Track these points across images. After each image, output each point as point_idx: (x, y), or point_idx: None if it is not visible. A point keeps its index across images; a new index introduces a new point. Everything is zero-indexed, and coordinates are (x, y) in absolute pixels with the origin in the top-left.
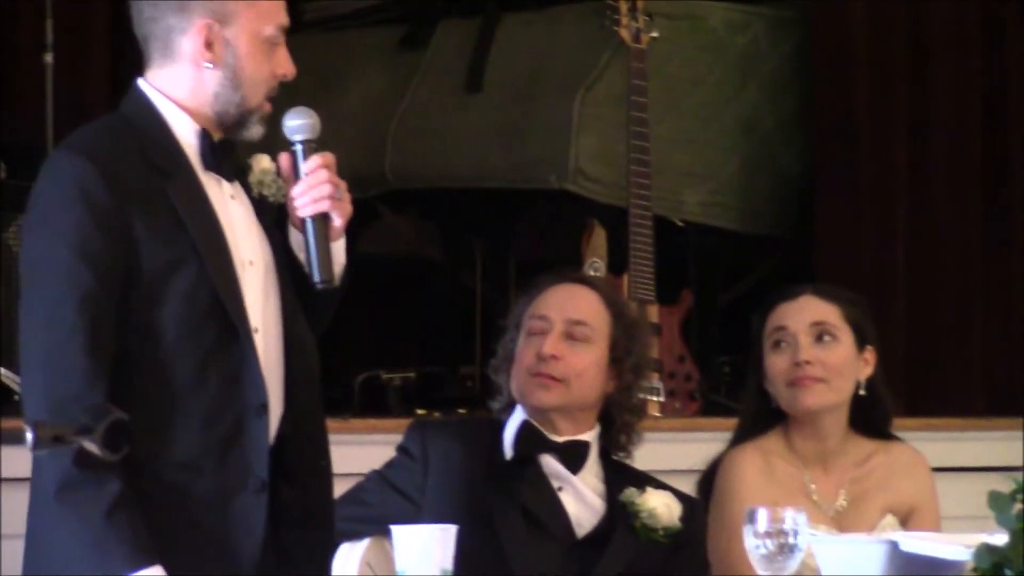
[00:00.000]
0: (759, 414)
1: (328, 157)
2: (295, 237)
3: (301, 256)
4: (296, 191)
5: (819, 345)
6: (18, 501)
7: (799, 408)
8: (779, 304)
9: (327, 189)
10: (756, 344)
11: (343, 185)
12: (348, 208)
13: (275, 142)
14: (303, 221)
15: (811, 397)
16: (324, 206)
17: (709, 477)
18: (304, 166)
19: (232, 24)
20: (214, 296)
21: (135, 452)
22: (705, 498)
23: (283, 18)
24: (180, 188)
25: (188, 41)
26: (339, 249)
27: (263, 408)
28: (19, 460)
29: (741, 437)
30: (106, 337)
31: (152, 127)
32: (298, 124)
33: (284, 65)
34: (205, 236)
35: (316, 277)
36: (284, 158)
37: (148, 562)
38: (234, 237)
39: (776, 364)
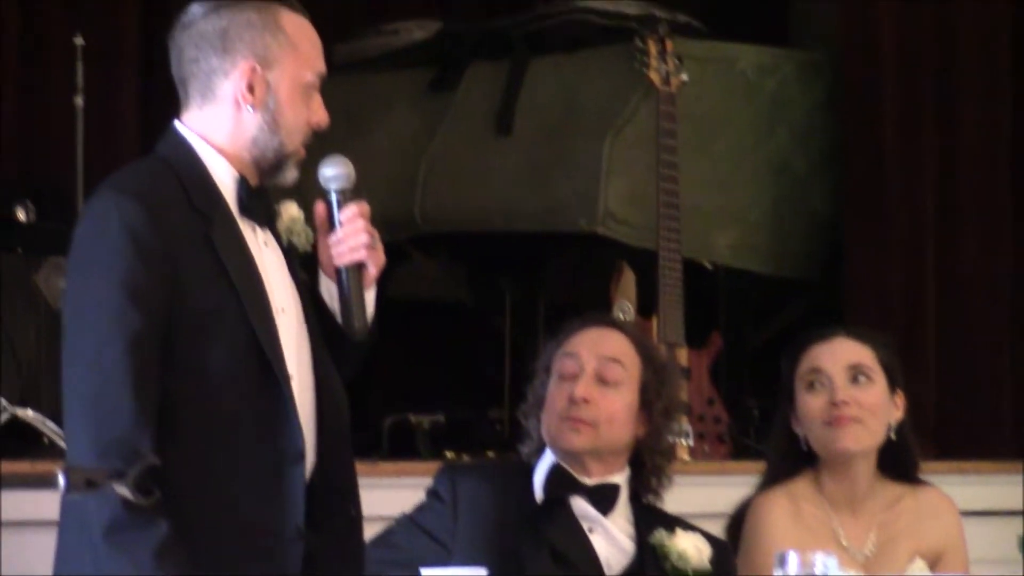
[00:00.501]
0: (787, 456)
1: (364, 206)
2: (325, 285)
3: (332, 305)
4: (333, 240)
5: (855, 386)
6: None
7: (835, 449)
8: (812, 345)
9: (364, 238)
10: (786, 386)
11: (376, 234)
12: (382, 258)
13: (299, 187)
14: (338, 270)
15: (848, 438)
16: (361, 255)
17: (738, 520)
18: (341, 215)
19: (275, 68)
20: (254, 343)
21: (175, 496)
22: (734, 541)
23: (322, 66)
24: (221, 232)
25: (230, 83)
26: (370, 298)
27: (300, 456)
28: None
29: (769, 480)
30: (153, 379)
31: (192, 170)
32: (334, 173)
33: (319, 113)
34: (246, 282)
35: (352, 326)
36: (319, 206)
37: None
38: (269, 284)
39: (811, 405)
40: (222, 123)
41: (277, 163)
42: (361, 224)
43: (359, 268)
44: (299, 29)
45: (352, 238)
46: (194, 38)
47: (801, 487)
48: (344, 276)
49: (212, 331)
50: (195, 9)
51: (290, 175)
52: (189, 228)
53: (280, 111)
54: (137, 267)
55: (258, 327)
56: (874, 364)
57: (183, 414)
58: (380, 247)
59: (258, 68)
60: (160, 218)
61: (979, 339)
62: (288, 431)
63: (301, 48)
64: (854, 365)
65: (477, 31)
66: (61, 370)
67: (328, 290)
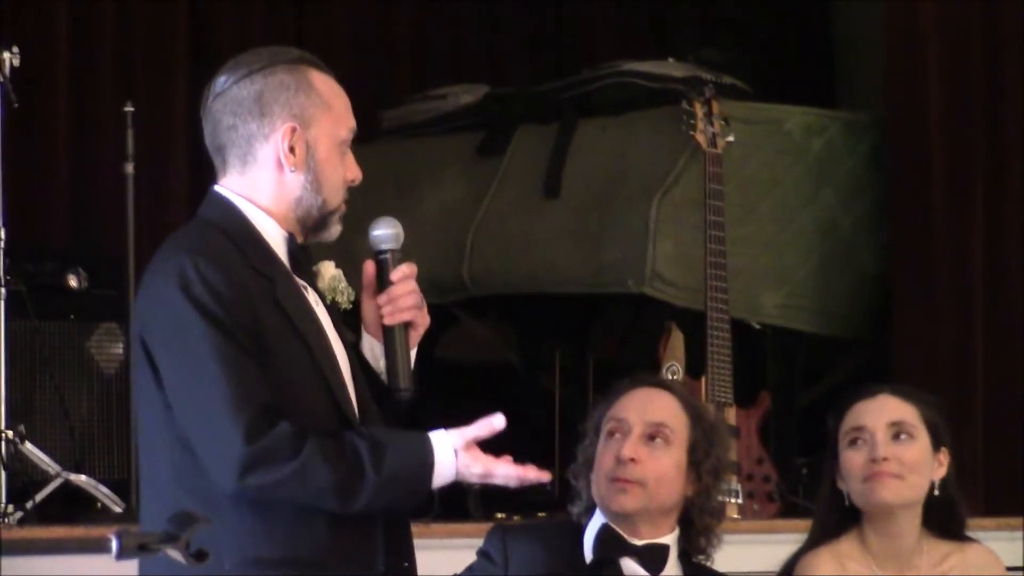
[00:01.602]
0: (832, 513)
1: (413, 268)
2: (369, 344)
3: (375, 364)
4: (383, 299)
5: (896, 443)
6: None
7: (875, 501)
8: (856, 403)
9: (414, 299)
10: (831, 443)
11: (421, 295)
12: (427, 318)
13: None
14: (387, 329)
15: (887, 491)
16: (410, 315)
17: None
18: (393, 275)
19: (313, 127)
20: (330, 398)
21: (267, 551)
22: None
23: (353, 122)
24: (284, 291)
25: (270, 146)
26: (412, 356)
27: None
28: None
29: (815, 538)
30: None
31: (243, 231)
32: (385, 234)
33: (353, 170)
34: (316, 340)
35: (398, 384)
36: (369, 266)
37: None
38: (328, 342)
39: (853, 460)
40: (266, 185)
41: (321, 220)
42: (412, 285)
43: (405, 328)
44: (330, 88)
45: (404, 298)
46: (229, 105)
47: (846, 546)
48: (394, 335)
49: (292, 385)
50: (225, 78)
51: (334, 231)
52: (257, 287)
53: (321, 170)
54: (225, 316)
55: (332, 381)
56: (917, 422)
57: None
58: (425, 307)
59: (298, 129)
60: (234, 277)
61: None
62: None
63: (335, 106)
64: (896, 423)
65: (524, 95)
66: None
67: (371, 348)
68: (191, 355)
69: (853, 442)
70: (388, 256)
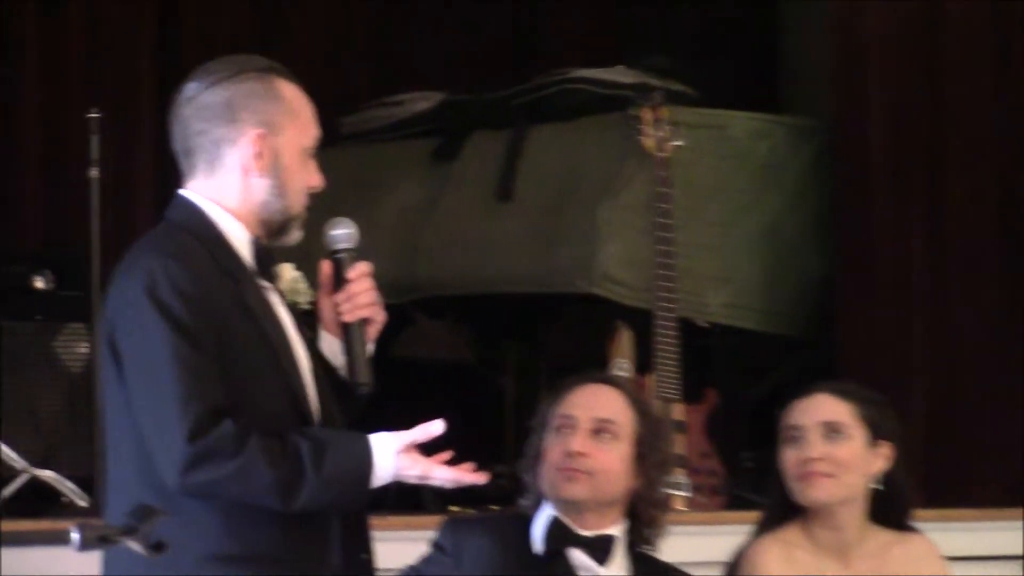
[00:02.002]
0: (780, 506)
1: (369, 266)
2: (327, 341)
3: (333, 360)
4: (341, 297)
5: (829, 442)
6: None
7: (807, 500)
8: (795, 402)
9: (371, 296)
10: (780, 439)
11: (376, 292)
12: (383, 314)
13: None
14: (345, 326)
15: (818, 490)
16: (367, 312)
17: (734, 567)
18: (349, 273)
19: (280, 134)
20: (292, 398)
21: (225, 546)
22: None
23: (317, 131)
24: (249, 292)
25: (238, 151)
26: (369, 351)
27: None
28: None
29: (763, 528)
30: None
31: (210, 234)
32: (341, 234)
33: (315, 176)
34: (279, 340)
35: (357, 380)
36: (325, 265)
37: None
38: (290, 342)
39: (788, 458)
40: (232, 189)
41: (284, 225)
42: (369, 282)
43: (363, 324)
44: (297, 97)
45: (361, 296)
46: (199, 110)
47: (793, 534)
48: (351, 332)
49: (255, 384)
50: (195, 84)
51: (294, 236)
52: (223, 288)
53: (286, 176)
54: (188, 318)
55: (294, 381)
56: (851, 420)
57: None
58: (381, 304)
59: (267, 135)
60: (201, 279)
61: (967, 392)
62: None
63: (301, 115)
64: (828, 422)
65: (478, 101)
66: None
67: (330, 346)
68: (151, 355)
69: (789, 440)
70: (344, 255)
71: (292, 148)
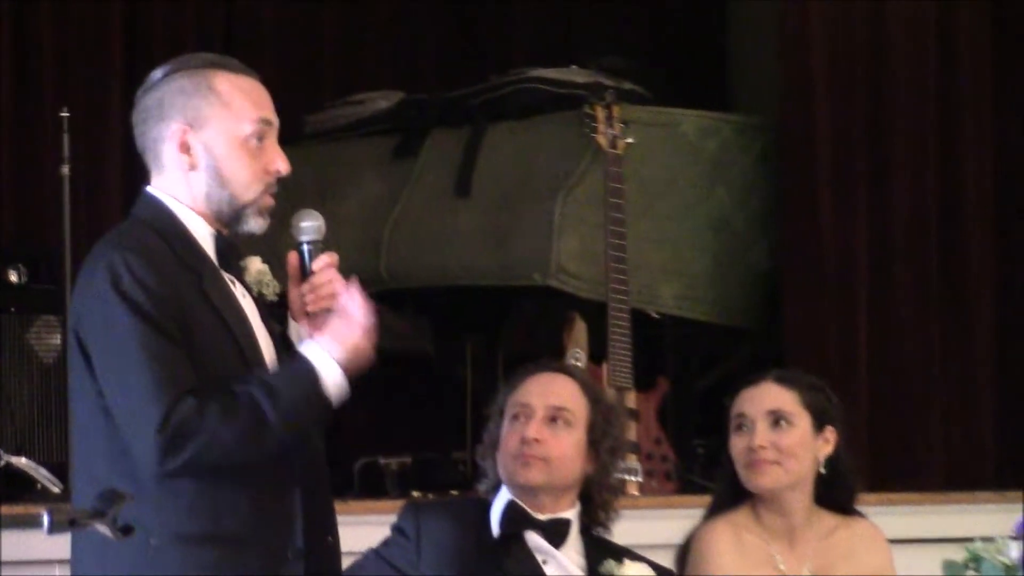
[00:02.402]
0: (730, 490)
1: (334, 256)
2: (295, 330)
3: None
4: (306, 288)
5: (775, 430)
6: None
7: (753, 487)
8: (743, 390)
9: (335, 287)
10: (728, 426)
11: (343, 282)
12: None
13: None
14: (310, 316)
15: (764, 477)
16: (332, 302)
17: (684, 550)
18: (313, 264)
19: (206, 128)
20: None
21: (191, 527)
22: (681, 569)
23: (262, 114)
24: (212, 286)
25: (169, 148)
26: None
27: (296, 482)
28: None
29: (714, 511)
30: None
31: (173, 229)
32: (307, 225)
33: (275, 161)
34: (241, 330)
35: None
36: (292, 256)
37: None
38: (252, 332)
39: (736, 446)
40: (179, 185)
41: (234, 214)
42: (333, 273)
43: (328, 313)
44: (233, 87)
45: (325, 286)
46: (140, 112)
47: (742, 517)
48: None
49: (215, 372)
50: (141, 88)
51: (254, 224)
52: (185, 281)
53: (222, 166)
54: (152, 309)
55: (255, 370)
56: (796, 408)
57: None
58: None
59: (188, 130)
60: (162, 272)
61: (910, 380)
62: (284, 462)
63: (233, 104)
64: (774, 410)
65: (437, 100)
66: (75, 410)
67: (298, 334)
68: (119, 346)
69: (737, 428)
70: (310, 247)
71: (224, 138)
